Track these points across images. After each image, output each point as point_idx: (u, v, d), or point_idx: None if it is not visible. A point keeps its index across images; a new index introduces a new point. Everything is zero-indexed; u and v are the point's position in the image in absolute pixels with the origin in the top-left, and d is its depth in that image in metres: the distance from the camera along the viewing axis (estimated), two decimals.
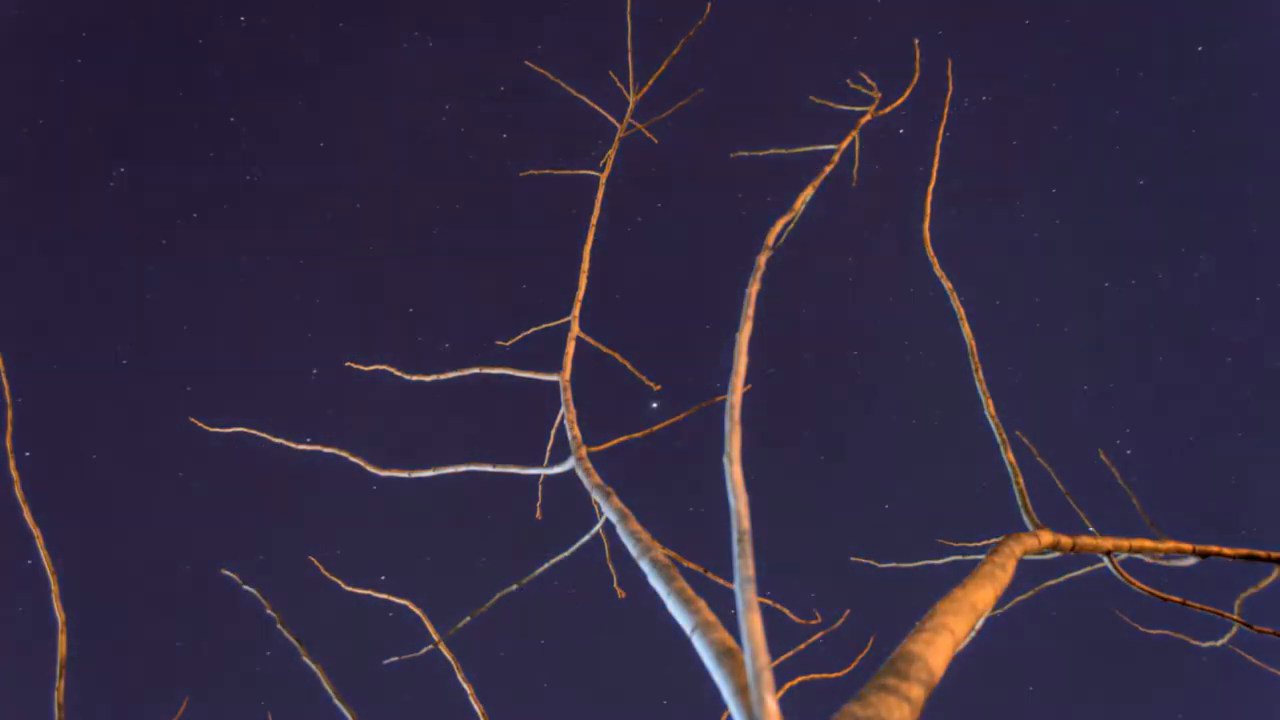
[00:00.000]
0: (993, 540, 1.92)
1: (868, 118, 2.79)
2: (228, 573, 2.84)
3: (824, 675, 3.17)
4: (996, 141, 10.75)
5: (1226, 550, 2.51)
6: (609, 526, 2.63)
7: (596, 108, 3.56)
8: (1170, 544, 2.38)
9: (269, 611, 2.61)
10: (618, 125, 3.50)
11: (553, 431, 2.86)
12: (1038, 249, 10.77)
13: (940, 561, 2.62)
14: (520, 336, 3.22)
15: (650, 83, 3.57)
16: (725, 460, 0.98)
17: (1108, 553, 2.25)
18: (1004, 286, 10.84)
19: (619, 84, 3.55)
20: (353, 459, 2.79)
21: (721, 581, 2.56)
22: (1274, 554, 2.51)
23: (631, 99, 3.53)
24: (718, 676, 1.23)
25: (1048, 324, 10.78)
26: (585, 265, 3.07)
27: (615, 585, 2.89)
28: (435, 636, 2.90)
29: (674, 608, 1.47)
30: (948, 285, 2.69)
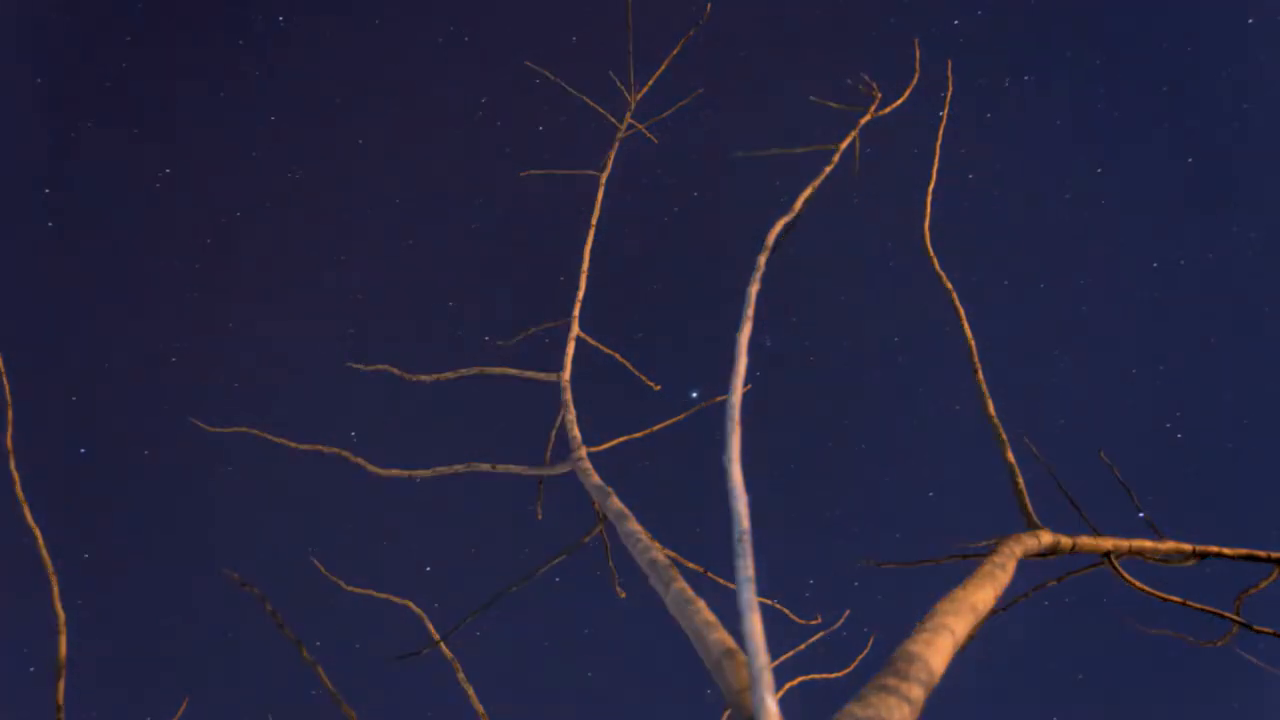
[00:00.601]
0: (993, 540, 1.92)
1: (868, 118, 2.79)
2: (228, 573, 2.84)
3: (824, 675, 3.17)
4: (1040, 120, 10.69)
5: (1226, 550, 2.51)
6: (609, 526, 2.63)
7: (597, 108, 3.57)
8: (1170, 544, 2.38)
9: (269, 611, 2.61)
10: (618, 125, 3.50)
11: (553, 432, 2.86)
12: (1084, 230, 10.70)
13: (940, 561, 2.62)
14: (520, 337, 3.22)
15: (650, 83, 3.58)
16: (725, 461, 0.98)
17: (1108, 553, 2.25)
18: (1049, 269, 10.78)
19: (619, 84, 3.55)
20: (353, 459, 2.79)
21: (722, 581, 2.57)
22: (1274, 554, 2.51)
23: (632, 99, 3.53)
24: (718, 676, 1.23)
25: (1096, 307, 10.72)
26: (585, 265, 3.07)
27: (615, 585, 2.90)
28: (435, 636, 2.90)
29: (674, 608, 1.47)
30: (948, 285, 2.69)
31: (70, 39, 10.40)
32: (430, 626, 2.94)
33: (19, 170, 10.44)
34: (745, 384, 1.09)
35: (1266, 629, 2.52)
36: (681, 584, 1.50)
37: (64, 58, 10.44)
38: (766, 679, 0.86)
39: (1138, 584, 2.36)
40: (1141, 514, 2.64)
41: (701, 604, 1.43)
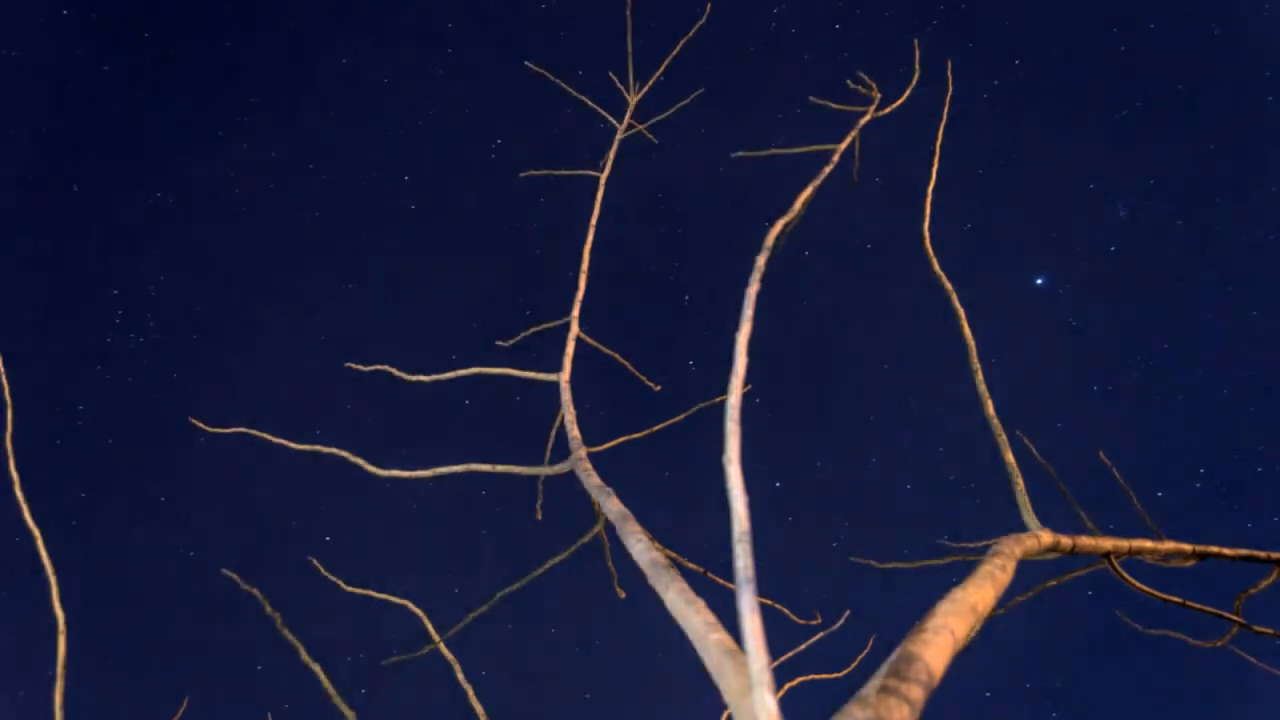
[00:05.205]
0: (993, 540, 1.92)
1: (867, 118, 2.79)
2: (228, 573, 2.84)
3: (824, 675, 3.17)
4: (1040, 117, 10.70)
5: (1226, 550, 2.51)
6: (609, 527, 2.63)
7: (597, 108, 3.56)
8: (1170, 544, 2.38)
9: (269, 612, 2.61)
10: (618, 126, 3.49)
11: (553, 431, 2.86)
12: (1085, 228, 10.71)
13: (940, 561, 2.62)
14: (520, 336, 3.22)
15: (650, 83, 3.57)
16: (725, 462, 0.98)
17: (1108, 553, 2.25)
18: (1049, 268, 10.81)
19: (619, 84, 3.55)
20: (353, 459, 2.79)
21: (722, 582, 2.56)
22: (1274, 554, 2.51)
23: (632, 99, 3.53)
24: (718, 677, 1.23)
25: (1096, 306, 10.73)
26: (585, 265, 3.07)
27: (615, 585, 2.89)
28: (435, 637, 2.90)
29: (674, 609, 1.47)
30: (947, 286, 2.69)
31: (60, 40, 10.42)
32: (430, 627, 2.94)
33: (16, 170, 10.45)
34: (745, 384, 1.09)
35: (1266, 629, 2.52)
36: (681, 584, 1.50)
37: (63, 57, 10.46)
38: (766, 679, 0.86)
39: (1138, 584, 2.36)
40: (1142, 515, 2.64)
41: (701, 604, 1.42)
